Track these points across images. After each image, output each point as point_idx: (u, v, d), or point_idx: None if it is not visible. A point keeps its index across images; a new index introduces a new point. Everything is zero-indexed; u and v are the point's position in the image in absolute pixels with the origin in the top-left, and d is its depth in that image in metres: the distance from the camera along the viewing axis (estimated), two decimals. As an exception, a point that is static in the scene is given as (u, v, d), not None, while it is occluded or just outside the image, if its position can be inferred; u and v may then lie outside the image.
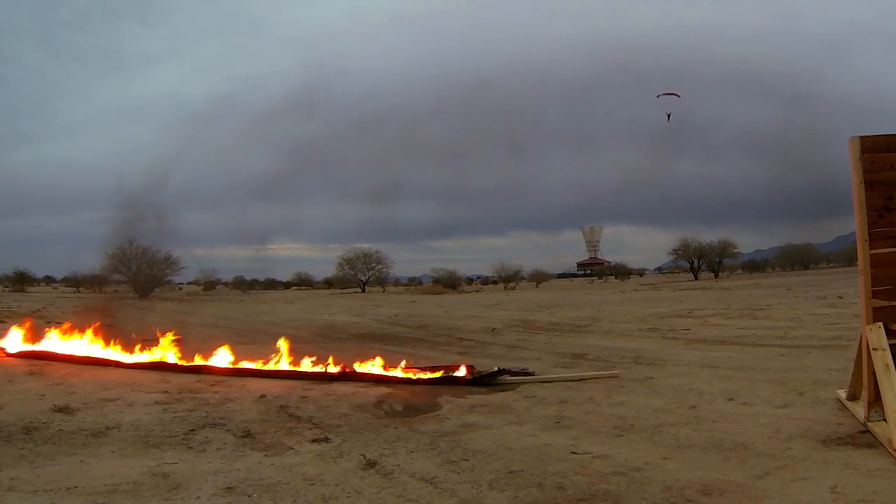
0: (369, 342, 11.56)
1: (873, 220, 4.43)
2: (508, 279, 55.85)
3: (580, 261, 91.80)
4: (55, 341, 8.91)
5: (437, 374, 7.20)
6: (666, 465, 3.89)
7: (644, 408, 5.51)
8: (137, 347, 8.46)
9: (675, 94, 29.37)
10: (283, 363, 7.82)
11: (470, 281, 64.08)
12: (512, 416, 5.42)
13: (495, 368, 7.24)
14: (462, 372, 7.27)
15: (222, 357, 8.04)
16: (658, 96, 30.05)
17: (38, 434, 4.75)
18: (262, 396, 6.31)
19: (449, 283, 51.14)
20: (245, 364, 7.88)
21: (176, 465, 4.08)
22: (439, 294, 42.42)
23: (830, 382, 5.88)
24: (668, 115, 29.38)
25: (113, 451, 4.39)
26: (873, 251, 4.41)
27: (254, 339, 11.87)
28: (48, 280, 56.60)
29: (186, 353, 8.35)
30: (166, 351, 8.38)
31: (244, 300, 36.61)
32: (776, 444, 4.19)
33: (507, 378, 7.02)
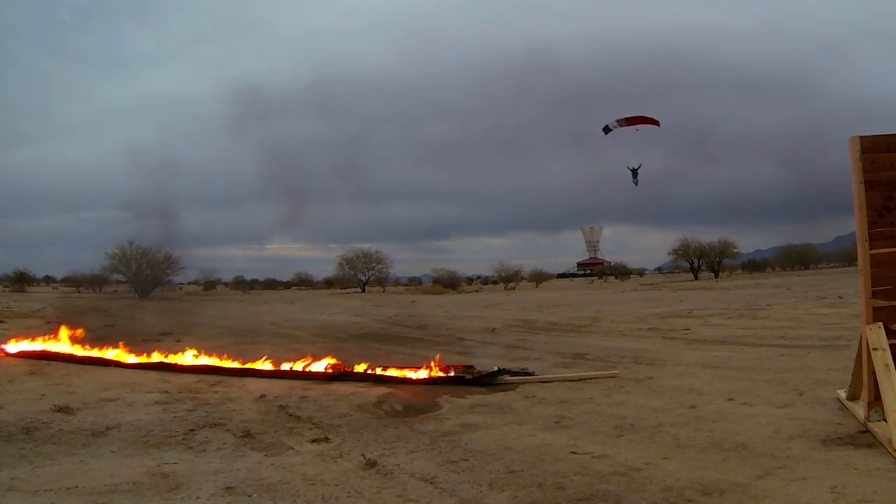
0: (369, 342, 11.57)
1: (873, 220, 4.43)
2: (508, 279, 55.78)
3: (580, 261, 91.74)
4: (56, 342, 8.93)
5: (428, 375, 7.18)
6: (666, 465, 3.89)
7: (644, 408, 5.51)
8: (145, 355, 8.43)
9: (650, 122, 16.58)
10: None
11: (470, 281, 63.99)
12: (512, 416, 5.42)
13: (495, 368, 7.23)
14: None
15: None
16: (606, 130, 16.69)
17: (38, 434, 4.75)
18: (262, 396, 6.31)
19: (449, 283, 51.07)
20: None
21: (176, 465, 4.08)
22: (439, 294, 42.40)
23: (830, 382, 5.88)
24: (635, 172, 17.21)
25: (113, 451, 4.39)
26: (873, 251, 4.41)
27: (254, 340, 11.87)
28: (48, 280, 56.59)
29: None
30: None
31: (244, 300, 36.61)
32: (776, 444, 4.19)
33: (507, 378, 7.02)
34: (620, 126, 16.48)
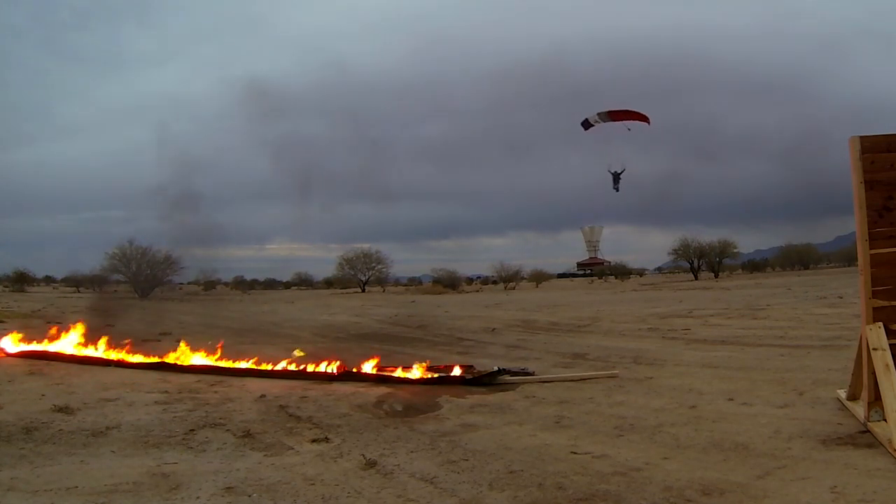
0: (369, 342, 11.56)
1: (873, 220, 4.43)
2: (508, 279, 55.78)
3: (580, 261, 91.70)
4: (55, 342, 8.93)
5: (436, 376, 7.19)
6: (666, 465, 3.89)
7: (644, 408, 5.51)
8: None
9: (638, 117, 14.02)
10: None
11: (470, 281, 63.94)
12: (512, 416, 5.42)
13: (495, 368, 7.23)
14: (457, 371, 7.28)
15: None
16: (586, 125, 14.37)
17: (38, 434, 4.75)
18: (262, 396, 6.31)
19: (449, 283, 51.05)
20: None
21: (176, 465, 4.08)
22: (439, 294, 42.38)
23: (830, 382, 5.88)
24: (616, 177, 15.19)
25: (113, 451, 4.39)
26: (873, 251, 4.41)
27: (254, 340, 11.87)
28: (48, 280, 56.62)
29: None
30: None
31: (244, 300, 36.60)
32: (776, 444, 4.19)
33: (507, 378, 7.02)
34: (603, 121, 13.89)
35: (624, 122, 13.81)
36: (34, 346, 8.86)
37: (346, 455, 4.30)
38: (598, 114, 13.63)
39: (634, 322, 13.68)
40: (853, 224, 4.57)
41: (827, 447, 4.07)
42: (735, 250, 56.05)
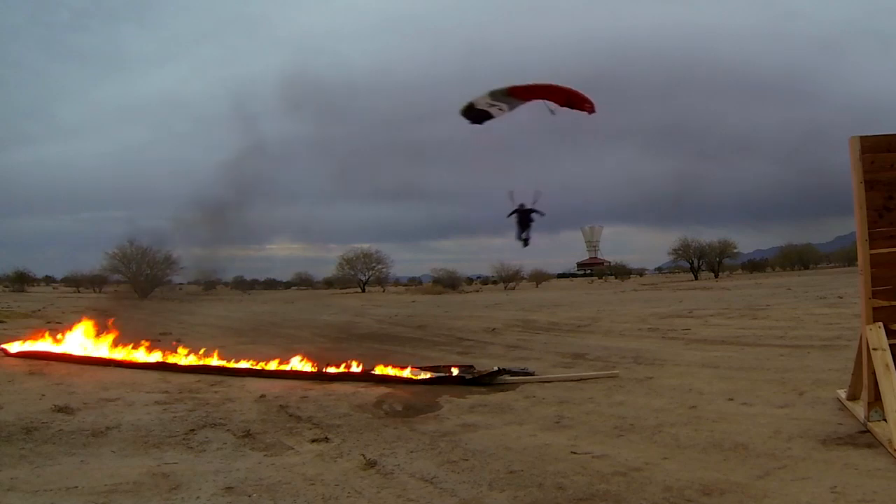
0: (369, 342, 11.56)
1: (873, 220, 4.43)
2: (508, 279, 55.77)
3: (580, 261, 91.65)
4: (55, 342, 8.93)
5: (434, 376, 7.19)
6: (666, 465, 3.89)
7: (644, 408, 5.51)
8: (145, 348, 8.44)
9: (568, 97, 7.64)
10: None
11: (470, 281, 63.87)
12: (512, 416, 5.42)
13: (495, 368, 7.24)
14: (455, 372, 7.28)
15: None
16: (477, 116, 8.19)
17: (38, 434, 4.75)
18: (262, 396, 6.31)
19: (449, 283, 51.01)
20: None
21: (176, 465, 4.08)
22: (439, 294, 42.34)
23: (830, 382, 5.88)
24: (525, 217, 10.19)
25: (113, 451, 4.39)
26: (873, 251, 4.41)
27: (254, 340, 11.87)
28: (48, 280, 56.64)
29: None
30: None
31: (244, 300, 36.59)
32: (776, 444, 4.19)
33: (507, 378, 7.02)
34: (510, 107, 8.28)
35: (544, 101, 8.08)
36: (34, 346, 8.86)
37: (346, 455, 4.30)
38: (492, 93, 7.88)
39: (634, 322, 13.68)
40: (853, 224, 4.57)
41: (827, 447, 4.07)
42: (735, 250, 56.13)
